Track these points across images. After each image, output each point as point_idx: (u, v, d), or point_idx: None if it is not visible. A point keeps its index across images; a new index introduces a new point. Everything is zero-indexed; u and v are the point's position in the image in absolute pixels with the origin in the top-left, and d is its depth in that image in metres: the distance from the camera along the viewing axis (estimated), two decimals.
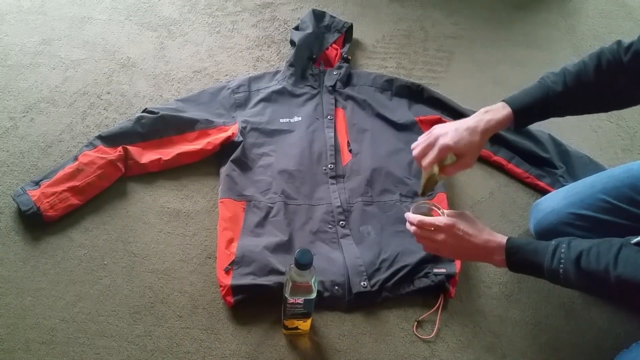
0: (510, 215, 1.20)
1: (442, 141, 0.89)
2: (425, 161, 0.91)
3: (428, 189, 0.97)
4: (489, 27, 1.71)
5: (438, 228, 0.89)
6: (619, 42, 0.88)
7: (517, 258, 0.85)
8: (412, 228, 0.92)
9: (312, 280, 0.85)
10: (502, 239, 0.87)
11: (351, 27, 1.53)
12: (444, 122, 1.31)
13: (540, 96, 0.91)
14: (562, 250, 0.81)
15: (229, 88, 1.34)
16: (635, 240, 0.76)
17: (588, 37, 1.72)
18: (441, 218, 0.90)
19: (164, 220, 1.13)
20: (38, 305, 0.99)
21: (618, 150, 1.37)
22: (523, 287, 1.07)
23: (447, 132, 0.90)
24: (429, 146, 0.91)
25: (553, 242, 0.83)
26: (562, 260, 0.80)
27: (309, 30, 1.44)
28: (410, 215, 0.93)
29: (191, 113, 1.26)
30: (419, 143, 0.93)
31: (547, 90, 0.91)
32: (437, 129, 0.92)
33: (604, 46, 0.89)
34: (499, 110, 0.91)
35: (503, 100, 0.93)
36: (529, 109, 0.91)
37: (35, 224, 1.08)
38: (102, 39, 1.52)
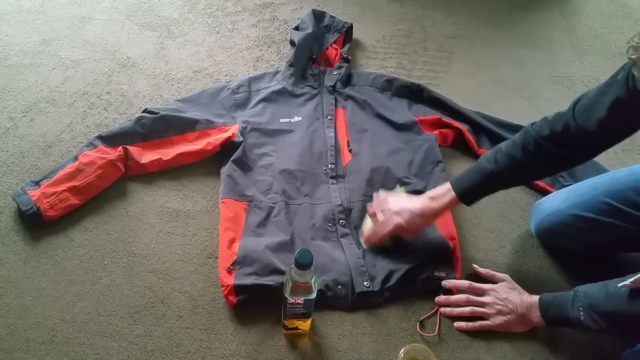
0: (510, 215, 1.20)
1: (397, 221, 1.02)
2: (382, 234, 1.05)
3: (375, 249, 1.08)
4: (488, 27, 1.71)
5: (485, 292, 1.01)
6: (545, 119, 0.95)
7: (549, 315, 0.94)
8: (463, 296, 1.02)
9: (312, 280, 0.85)
10: (537, 298, 0.96)
11: (351, 27, 1.53)
12: (444, 122, 1.32)
13: (477, 177, 0.99)
14: (579, 298, 0.89)
15: (229, 88, 1.34)
16: (621, 283, 0.82)
17: (588, 37, 1.72)
18: (487, 284, 1.03)
19: (164, 220, 1.13)
20: (38, 305, 0.99)
21: (618, 150, 1.36)
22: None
23: (401, 213, 1.02)
24: (387, 222, 1.04)
25: (572, 292, 0.91)
26: (581, 309, 0.88)
27: (309, 30, 1.44)
28: (459, 281, 1.04)
29: (191, 113, 1.26)
30: (374, 206, 1.07)
31: (481, 170, 0.99)
32: (395, 205, 1.04)
33: (529, 127, 0.97)
34: (444, 197, 1.01)
35: (449, 182, 1.02)
36: (471, 190, 1.00)
37: (35, 224, 1.08)
38: (102, 39, 1.52)
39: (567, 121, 0.91)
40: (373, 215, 1.07)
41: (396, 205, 1.04)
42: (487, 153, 1.01)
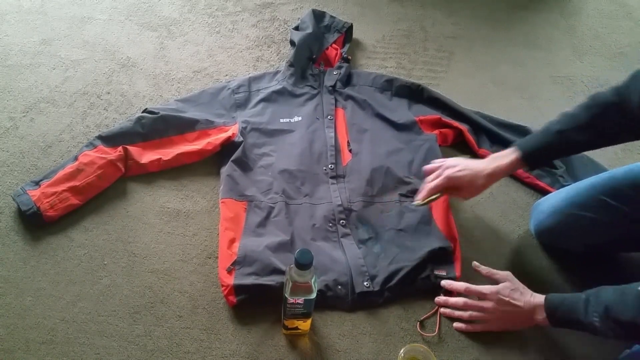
0: (510, 215, 1.20)
1: (448, 173, 1.01)
2: (431, 185, 1.03)
3: (427, 203, 1.06)
4: (488, 27, 1.71)
5: (484, 295, 0.97)
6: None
7: (557, 316, 0.90)
8: (461, 300, 0.99)
9: (312, 280, 0.85)
10: (541, 298, 0.93)
11: (351, 27, 1.53)
12: (444, 122, 1.32)
13: (543, 138, 0.98)
14: (592, 304, 0.85)
15: (229, 88, 1.34)
16: None
17: (588, 37, 1.72)
18: (486, 286, 0.98)
19: (164, 220, 1.13)
20: (38, 305, 0.99)
21: (618, 149, 1.36)
22: None
23: (457, 165, 1.01)
24: (439, 173, 1.03)
25: (584, 295, 0.87)
26: (595, 314, 0.84)
27: (309, 30, 1.44)
28: (456, 284, 1.01)
29: (191, 113, 1.26)
30: (432, 166, 1.06)
31: (547, 131, 0.98)
32: (451, 160, 1.04)
33: (598, 92, 0.96)
34: (506, 157, 1.00)
35: (515, 144, 1.01)
36: (536, 151, 0.99)
37: (35, 224, 1.08)
38: (102, 39, 1.52)
39: (625, 92, 0.90)
40: (428, 172, 1.05)
41: (452, 160, 1.04)
42: (553, 118, 1.00)
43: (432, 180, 1.03)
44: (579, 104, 0.97)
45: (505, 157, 1.00)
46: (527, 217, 1.17)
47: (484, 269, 1.05)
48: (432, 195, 1.03)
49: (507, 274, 1.01)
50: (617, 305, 0.81)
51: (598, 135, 0.97)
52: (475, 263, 1.06)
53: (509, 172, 1.01)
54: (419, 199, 1.05)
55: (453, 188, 1.03)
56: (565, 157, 1.03)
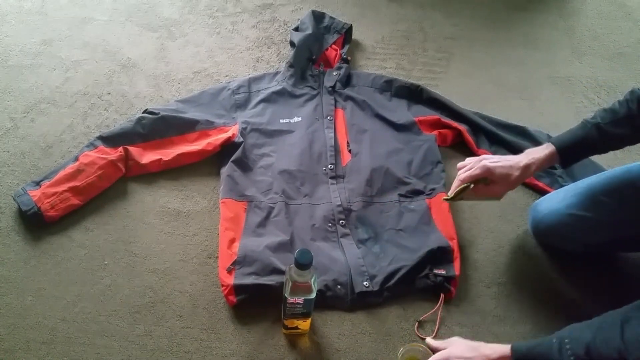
0: (509, 215, 1.20)
1: (484, 163, 0.98)
2: (464, 174, 0.99)
3: (457, 197, 1.01)
4: (488, 28, 1.72)
5: None
6: None
7: None
8: None
9: (312, 280, 0.85)
10: (503, 348, 0.84)
11: (350, 28, 1.54)
12: (443, 122, 1.32)
13: (579, 132, 0.97)
14: (568, 347, 0.77)
15: (229, 89, 1.34)
16: None
17: (587, 37, 1.72)
18: None
19: (165, 220, 1.13)
20: (39, 305, 0.99)
21: (617, 150, 1.37)
22: (522, 287, 1.07)
23: (493, 157, 1.00)
24: (473, 165, 0.99)
25: (555, 339, 0.79)
26: (572, 357, 0.76)
27: (309, 31, 1.44)
28: None
29: (191, 114, 1.27)
30: (465, 162, 1.02)
31: (584, 125, 0.97)
32: (486, 155, 1.04)
33: (636, 88, 0.95)
34: (541, 150, 0.98)
35: (550, 140, 1.00)
36: (571, 145, 0.97)
37: (36, 224, 1.08)
38: (102, 40, 1.52)
39: None
40: (461, 167, 1.02)
41: (488, 155, 1.03)
42: (591, 114, 0.99)
43: (466, 171, 0.99)
44: (618, 99, 0.96)
45: (541, 150, 0.98)
46: (526, 217, 1.18)
47: (431, 345, 0.95)
48: (463, 186, 0.99)
49: (455, 339, 0.93)
50: (598, 342, 0.75)
51: (636, 129, 0.96)
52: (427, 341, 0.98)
53: (544, 166, 0.99)
54: (449, 192, 1.01)
55: (485, 181, 0.99)
56: (601, 153, 1.01)
